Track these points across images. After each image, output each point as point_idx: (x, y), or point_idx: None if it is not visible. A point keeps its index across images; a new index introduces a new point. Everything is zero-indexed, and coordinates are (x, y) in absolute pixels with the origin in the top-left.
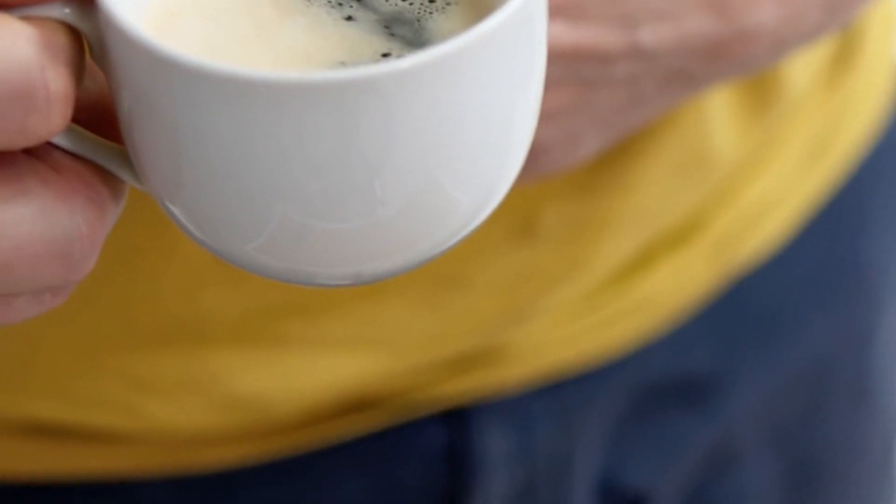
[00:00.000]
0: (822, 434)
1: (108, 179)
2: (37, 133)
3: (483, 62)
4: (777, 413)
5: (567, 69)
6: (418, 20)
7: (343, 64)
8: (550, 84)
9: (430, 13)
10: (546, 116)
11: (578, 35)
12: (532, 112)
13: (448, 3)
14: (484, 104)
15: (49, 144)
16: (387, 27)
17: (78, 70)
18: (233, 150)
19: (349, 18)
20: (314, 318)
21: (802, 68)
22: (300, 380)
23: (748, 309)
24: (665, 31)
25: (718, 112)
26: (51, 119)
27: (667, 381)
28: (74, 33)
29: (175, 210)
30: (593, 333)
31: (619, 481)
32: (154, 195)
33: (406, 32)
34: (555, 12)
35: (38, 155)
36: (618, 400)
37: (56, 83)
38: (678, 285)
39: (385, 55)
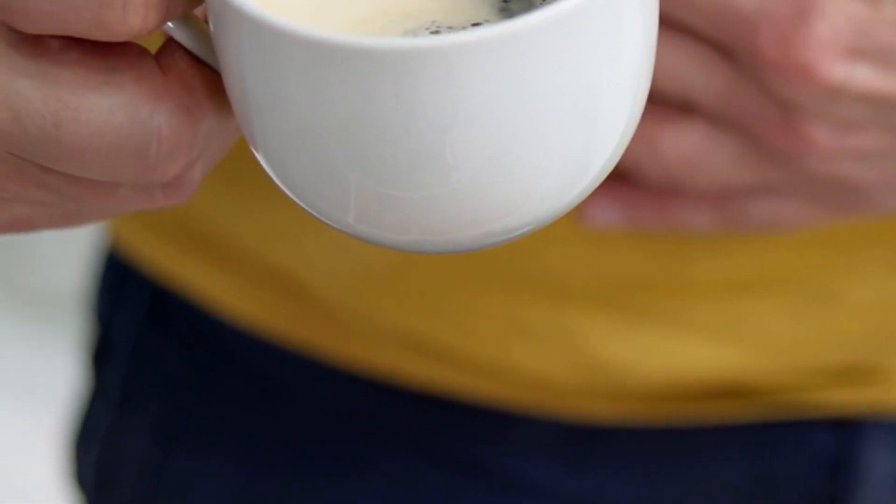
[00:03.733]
0: None
1: (221, 93)
2: (114, 29)
3: (552, 42)
4: None
5: (877, 113)
6: (543, 0)
7: (433, 24)
8: (860, 125)
9: None
10: (858, 156)
11: (885, 82)
12: (625, 91)
13: None
14: (554, 81)
15: (175, 43)
16: (506, 0)
17: None
18: (300, 110)
19: None
20: (680, 301)
21: None
22: (661, 357)
23: None
24: None
25: None
26: (127, 18)
27: None
28: None
29: (261, 161)
30: None
31: None
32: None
33: (519, 8)
34: (863, 55)
35: (159, 51)
36: None
37: None
38: None
39: (475, 24)
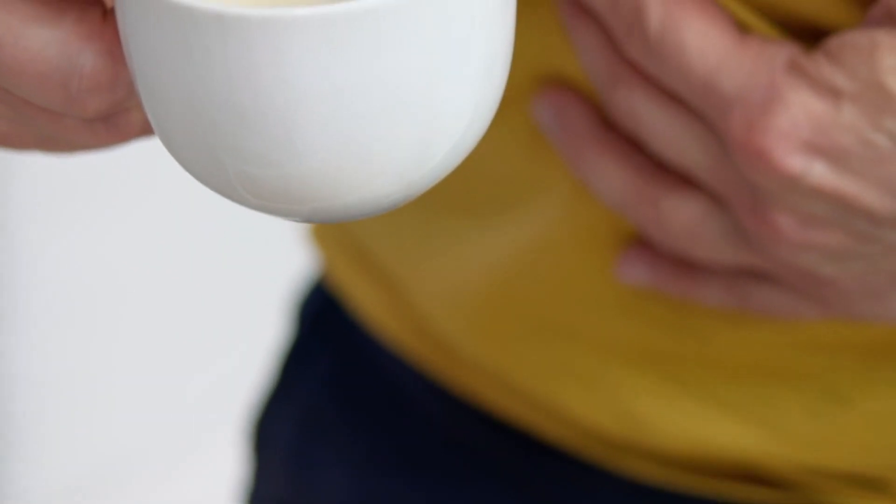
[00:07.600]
0: None
1: None
2: None
3: (380, 28)
4: None
5: (836, 213)
6: None
7: None
8: (823, 222)
9: None
10: (822, 251)
11: (840, 183)
12: (468, 83)
13: None
14: (384, 67)
15: None
16: None
17: None
18: (157, 76)
19: None
20: (706, 373)
21: None
22: (692, 424)
23: None
24: None
25: None
26: None
27: None
28: None
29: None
30: None
31: None
32: None
33: None
34: (820, 152)
35: None
36: None
37: None
38: None
39: None
